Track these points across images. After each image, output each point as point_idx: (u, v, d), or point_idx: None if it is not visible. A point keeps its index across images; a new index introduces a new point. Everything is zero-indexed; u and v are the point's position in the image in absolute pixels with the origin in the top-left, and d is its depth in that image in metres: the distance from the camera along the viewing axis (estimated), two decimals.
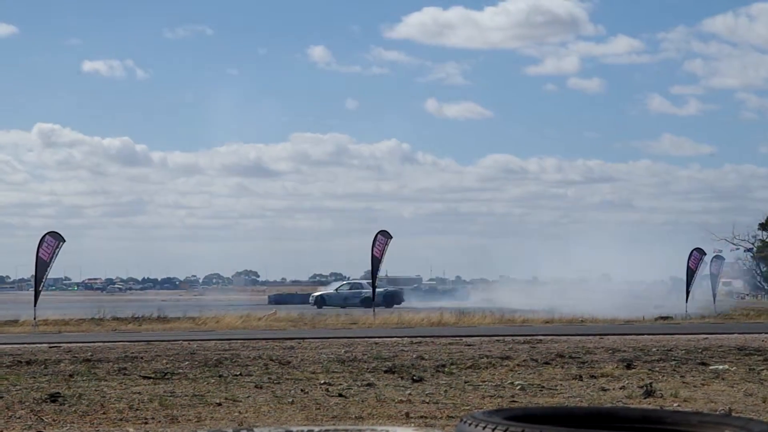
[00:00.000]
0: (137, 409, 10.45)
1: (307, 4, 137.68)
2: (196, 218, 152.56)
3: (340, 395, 11.61)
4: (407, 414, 10.17)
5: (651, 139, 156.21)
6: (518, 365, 15.55)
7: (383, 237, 35.76)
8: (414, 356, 17.19)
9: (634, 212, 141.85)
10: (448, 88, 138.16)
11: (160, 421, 9.69)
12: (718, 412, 9.96)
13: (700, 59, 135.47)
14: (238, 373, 14.26)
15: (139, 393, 11.85)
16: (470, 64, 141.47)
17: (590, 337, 23.13)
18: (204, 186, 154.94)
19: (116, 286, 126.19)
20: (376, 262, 35.65)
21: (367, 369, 14.83)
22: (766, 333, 25.34)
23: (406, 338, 22.55)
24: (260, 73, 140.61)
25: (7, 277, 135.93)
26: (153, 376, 13.83)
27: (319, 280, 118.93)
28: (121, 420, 9.80)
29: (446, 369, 14.87)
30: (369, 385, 12.70)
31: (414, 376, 13.70)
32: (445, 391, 12.18)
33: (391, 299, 57.58)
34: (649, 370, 14.87)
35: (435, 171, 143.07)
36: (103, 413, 10.21)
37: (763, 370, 14.98)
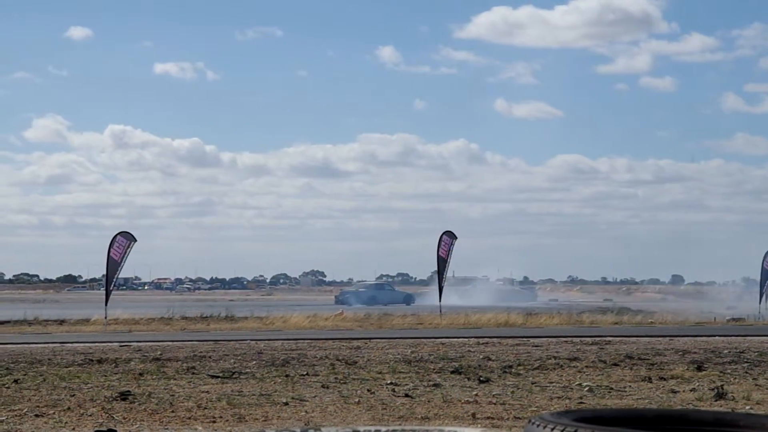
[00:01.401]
0: (205, 408, 10.52)
1: (376, 4, 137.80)
2: (264, 219, 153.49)
3: (407, 395, 11.59)
4: (474, 415, 10.13)
5: (724, 139, 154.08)
6: (586, 366, 15.42)
7: (448, 237, 35.67)
8: (481, 357, 17.12)
9: (706, 212, 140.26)
10: (518, 87, 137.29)
11: (227, 420, 9.75)
12: None
13: None
14: (305, 372, 14.30)
15: (207, 392, 11.93)
16: (540, 63, 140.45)
17: (659, 339, 22.88)
18: (272, 187, 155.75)
19: (185, 285, 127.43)
20: (441, 262, 35.57)
21: (434, 369, 14.80)
22: None
23: (472, 339, 22.47)
24: (329, 74, 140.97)
25: (80, 276, 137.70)
26: (221, 375, 13.93)
27: (386, 281, 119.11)
28: (189, 419, 9.87)
29: (513, 370, 14.79)
30: (435, 385, 12.67)
31: (481, 376, 13.64)
32: (512, 392, 12.11)
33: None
34: (721, 372, 14.67)
35: (503, 171, 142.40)
36: (172, 412, 10.29)
37: None
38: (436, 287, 36.71)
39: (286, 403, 10.88)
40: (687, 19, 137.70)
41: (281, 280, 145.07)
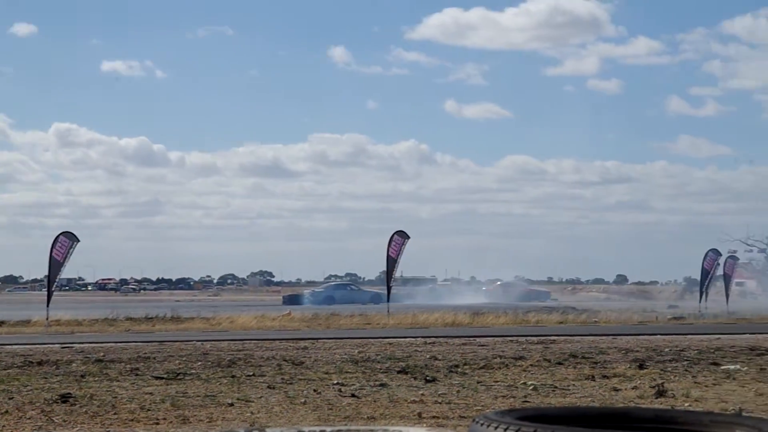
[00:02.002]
0: (149, 410, 10.46)
1: (328, 4, 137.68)
2: (212, 219, 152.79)
3: (353, 395, 11.61)
4: (420, 414, 10.18)
5: (668, 141, 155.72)
6: (531, 365, 15.54)
7: (399, 237, 35.73)
8: (427, 356, 17.19)
9: (651, 213, 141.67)
10: (468, 88, 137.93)
11: (171, 422, 9.71)
12: (729, 412, 9.93)
13: (719, 60, 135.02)
14: (251, 373, 14.27)
15: (150, 393, 11.87)
16: (490, 65, 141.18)
17: (603, 338, 23.09)
18: (221, 186, 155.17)
19: (130, 286, 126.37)
20: (391, 262, 35.62)
21: (381, 369, 14.83)
22: None
23: (420, 338, 22.55)
24: (280, 74, 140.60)
25: (21, 277, 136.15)
26: (165, 376, 13.86)
27: (334, 281, 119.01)
28: (132, 420, 9.82)
29: (459, 369, 14.87)
30: (382, 385, 12.71)
31: (427, 376, 13.70)
32: (458, 391, 12.18)
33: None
34: (662, 370, 14.85)
35: (453, 172, 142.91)
36: (114, 414, 10.23)
37: None
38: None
39: (232, 404, 10.86)
40: (634, 22, 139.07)
41: (229, 281, 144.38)
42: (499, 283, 78.50)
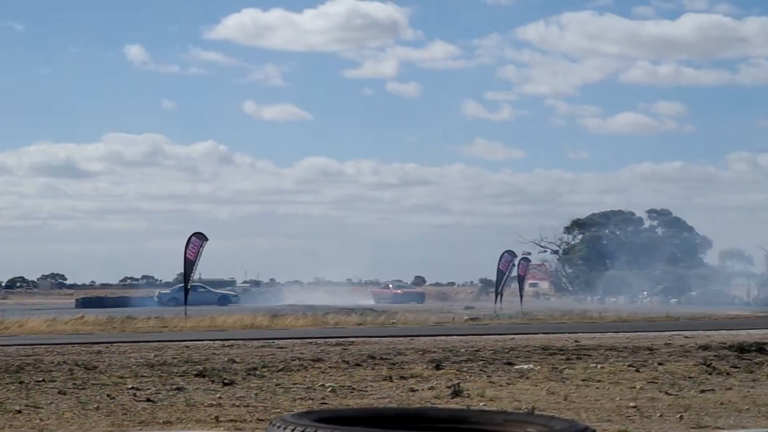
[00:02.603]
0: None
1: (123, 2, 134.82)
2: (2, 220, 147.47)
3: (149, 400, 11.39)
4: (217, 418, 10.07)
5: (465, 144, 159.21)
6: (330, 367, 15.59)
7: (198, 239, 35.33)
8: (225, 359, 17.03)
9: (449, 215, 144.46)
10: (267, 89, 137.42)
11: None
12: (521, 411, 10.19)
13: (513, 66, 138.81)
14: (41, 379, 13.82)
15: None
16: (289, 66, 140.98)
17: (401, 339, 23.38)
18: (11, 186, 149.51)
19: None
20: (189, 264, 35.19)
21: (177, 373, 14.60)
22: (568, 333, 26.14)
23: (217, 341, 22.31)
24: (73, 72, 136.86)
25: None
26: None
27: (130, 284, 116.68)
28: None
29: (258, 372, 14.78)
30: (178, 389, 12.51)
31: (225, 379, 13.56)
32: (256, 394, 12.11)
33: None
34: (458, 370, 15.13)
35: (252, 173, 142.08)
36: None
37: (565, 368, 15.44)
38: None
39: (20, 411, 10.48)
40: (431, 27, 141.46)
41: (18, 284, 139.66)
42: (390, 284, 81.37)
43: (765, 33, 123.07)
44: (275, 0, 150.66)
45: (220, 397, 11.66)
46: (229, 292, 72.11)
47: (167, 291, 68.97)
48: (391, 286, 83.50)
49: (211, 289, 69.88)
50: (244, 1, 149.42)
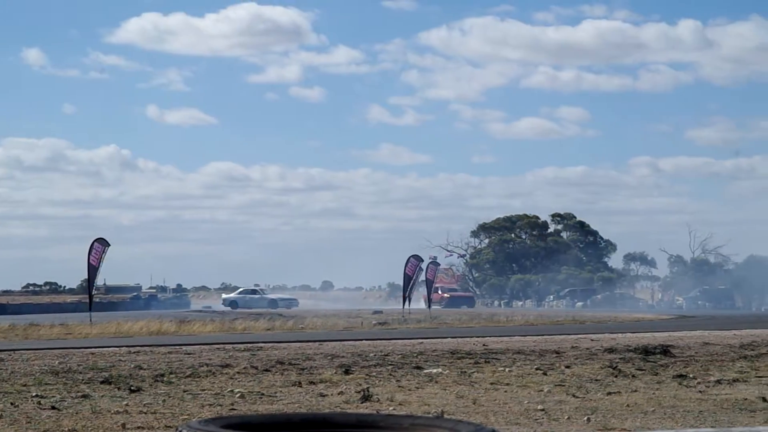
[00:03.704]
0: None
1: (21, 5, 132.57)
2: None
3: (53, 408, 11.21)
4: (123, 425, 9.94)
5: (370, 148, 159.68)
6: (238, 373, 15.49)
7: (100, 245, 34.88)
8: (132, 366, 16.82)
9: (355, 220, 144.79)
10: (170, 94, 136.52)
11: None
12: (430, 415, 10.24)
13: (417, 71, 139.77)
14: None
15: None
16: (192, 70, 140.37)
17: (310, 344, 23.33)
18: None
19: None
20: (92, 270, 34.73)
21: (83, 380, 14.39)
22: (476, 337, 26.33)
23: (124, 348, 22.03)
24: None
25: None
26: None
27: (33, 290, 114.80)
28: None
29: (165, 378, 14.63)
30: (84, 396, 12.33)
31: (132, 386, 13.40)
32: (164, 400, 11.99)
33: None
34: (367, 375, 15.15)
35: (157, 178, 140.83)
36: None
37: (473, 372, 15.55)
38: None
39: None
40: (335, 32, 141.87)
41: None
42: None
43: (663, 39, 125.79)
44: (176, 4, 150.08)
45: (126, 404, 11.52)
46: (286, 297, 73.19)
47: (231, 295, 72.05)
48: (440, 290, 77.83)
49: (266, 295, 71.44)
50: (145, 6, 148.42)
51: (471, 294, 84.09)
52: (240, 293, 72.45)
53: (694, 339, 24.80)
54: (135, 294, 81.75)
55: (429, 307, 47.17)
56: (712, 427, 9.89)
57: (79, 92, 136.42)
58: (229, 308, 64.30)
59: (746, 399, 12.08)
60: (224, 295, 75.46)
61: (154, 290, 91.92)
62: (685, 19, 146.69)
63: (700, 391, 13.05)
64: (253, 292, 72.61)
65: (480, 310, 66.00)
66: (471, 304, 75.01)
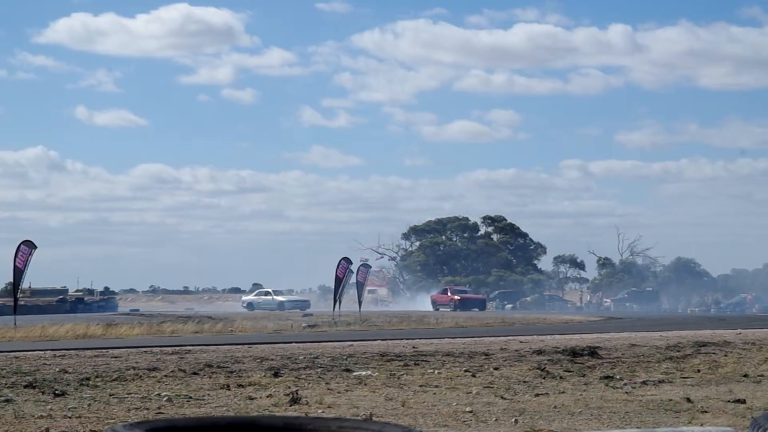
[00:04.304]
0: None
1: None
2: None
3: None
4: (47, 430, 9.80)
5: (302, 151, 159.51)
6: (166, 376, 15.34)
7: (27, 247, 34.41)
8: (57, 370, 16.58)
9: (286, 222, 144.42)
10: (99, 95, 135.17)
11: None
12: (359, 417, 10.22)
13: (349, 73, 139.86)
14: None
15: None
16: (123, 71, 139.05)
17: (239, 347, 23.19)
18: None
19: None
20: (18, 273, 34.23)
21: (6, 384, 14.14)
22: (406, 339, 26.37)
23: (49, 351, 21.71)
24: None
25: None
26: None
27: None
28: None
29: (91, 382, 14.44)
30: (7, 401, 12.12)
31: (56, 390, 13.20)
32: (89, 404, 11.83)
33: None
34: (296, 377, 15.09)
35: (85, 180, 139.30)
36: None
37: (403, 374, 15.56)
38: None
39: None
40: (267, 33, 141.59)
41: None
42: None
43: (594, 43, 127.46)
44: (107, 5, 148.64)
45: (51, 409, 11.35)
46: (295, 298, 74.22)
47: (249, 297, 73.80)
48: (449, 292, 74.85)
49: (276, 297, 71.91)
50: (74, 6, 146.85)
51: (483, 297, 77.21)
52: (256, 294, 73.70)
53: (621, 341, 25.06)
54: (61, 297, 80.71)
55: (360, 309, 47.14)
56: (637, 427, 9.99)
57: (6, 93, 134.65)
58: (245, 309, 66.54)
59: (671, 399, 12.22)
60: (243, 297, 77.17)
61: (81, 293, 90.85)
62: (616, 23, 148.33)
63: (627, 392, 13.19)
64: (267, 294, 73.05)
65: (410, 312, 66.12)
66: (482, 307, 70.36)
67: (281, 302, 68.64)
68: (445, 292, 75.95)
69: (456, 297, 71.74)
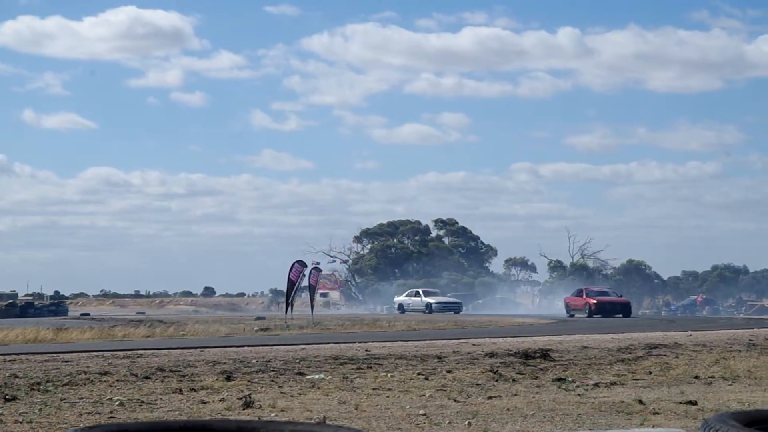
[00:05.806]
0: None
1: None
2: None
3: None
4: None
5: (253, 154, 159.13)
6: (117, 380, 15.23)
7: None
8: (7, 374, 16.40)
9: (237, 225, 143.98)
10: (48, 98, 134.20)
11: None
12: (312, 421, 10.20)
13: (299, 76, 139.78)
14: None
15: None
16: (70, 74, 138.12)
17: (191, 350, 23.08)
18: None
19: None
20: None
21: None
22: (359, 342, 26.36)
23: None
24: None
25: None
26: None
27: None
28: None
29: (42, 387, 14.31)
30: None
31: (6, 395, 13.06)
32: (40, 409, 11.72)
33: None
34: (249, 381, 15.03)
35: (33, 183, 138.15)
36: None
37: (356, 378, 15.56)
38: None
39: None
40: (216, 36, 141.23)
41: None
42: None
43: (543, 46, 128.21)
44: (53, 7, 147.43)
45: (1, 414, 11.23)
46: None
47: (440, 300, 71.17)
48: (584, 293, 60.26)
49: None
50: (21, 8, 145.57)
51: (627, 300, 58.30)
52: (407, 295, 73.24)
53: (573, 343, 25.21)
54: (11, 301, 79.89)
55: (312, 312, 47.08)
56: (590, 429, 10.06)
57: None
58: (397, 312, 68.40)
59: (623, 401, 12.31)
60: (395, 298, 76.31)
61: (31, 297, 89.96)
62: (564, 27, 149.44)
63: (579, 395, 13.27)
64: (416, 294, 72.65)
65: (363, 315, 66.13)
66: (627, 313, 54.01)
67: (429, 303, 68.05)
68: (580, 293, 59.04)
69: (592, 300, 55.26)
